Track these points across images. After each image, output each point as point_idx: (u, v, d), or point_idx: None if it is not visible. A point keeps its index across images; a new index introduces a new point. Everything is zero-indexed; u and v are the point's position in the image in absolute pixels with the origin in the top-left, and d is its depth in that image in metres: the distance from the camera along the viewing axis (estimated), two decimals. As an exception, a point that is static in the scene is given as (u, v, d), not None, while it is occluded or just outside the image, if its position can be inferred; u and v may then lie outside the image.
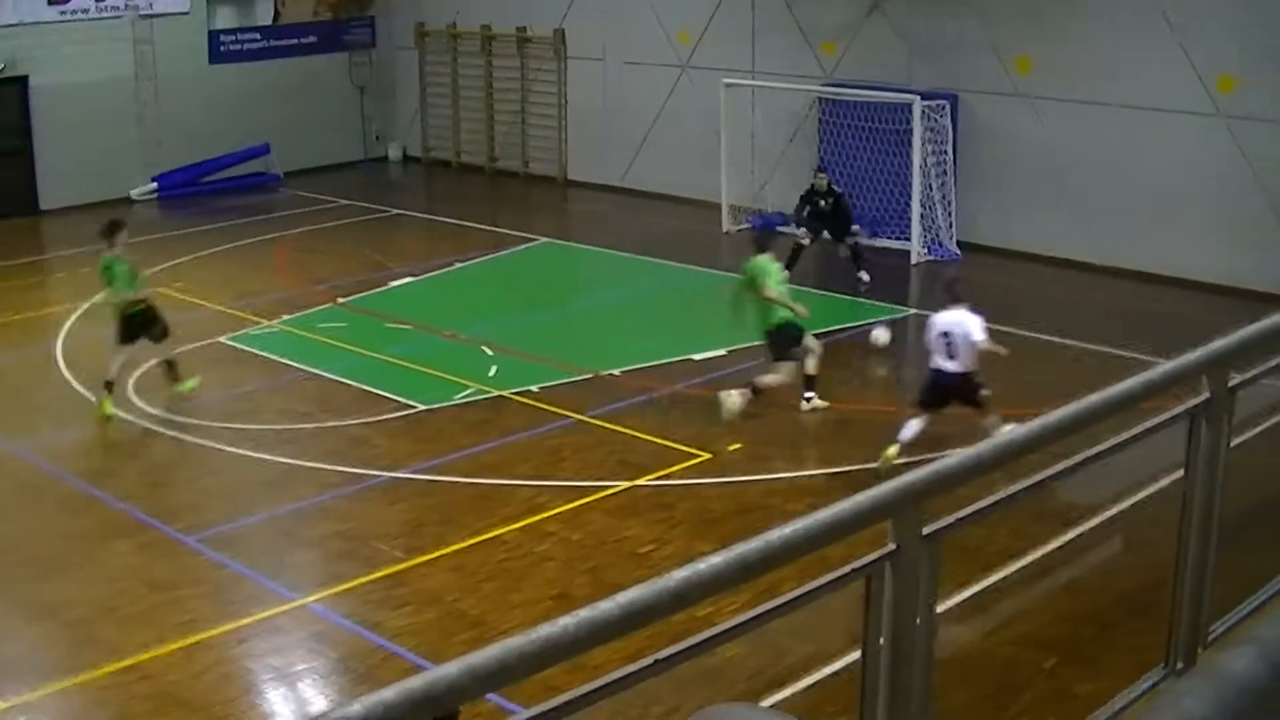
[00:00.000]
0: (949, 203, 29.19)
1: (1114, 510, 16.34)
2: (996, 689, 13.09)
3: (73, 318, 25.80)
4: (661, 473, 18.45)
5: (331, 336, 24.50)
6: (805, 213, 27.20)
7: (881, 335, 23.15)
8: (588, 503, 17.59)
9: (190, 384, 21.78)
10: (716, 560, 4.12)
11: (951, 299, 18.92)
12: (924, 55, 29.86)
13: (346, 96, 40.64)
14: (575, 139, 37.20)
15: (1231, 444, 6.73)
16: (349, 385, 22.14)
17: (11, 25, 33.87)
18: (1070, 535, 16.01)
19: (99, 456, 19.96)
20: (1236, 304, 23.05)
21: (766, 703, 11.74)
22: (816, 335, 21.07)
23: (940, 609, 5.24)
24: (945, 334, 18.62)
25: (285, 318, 25.48)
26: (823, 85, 31.15)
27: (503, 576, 15.75)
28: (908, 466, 4.88)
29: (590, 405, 20.98)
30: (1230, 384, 6.58)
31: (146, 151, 36.36)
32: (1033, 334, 23.58)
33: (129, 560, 16.42)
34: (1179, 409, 6.45)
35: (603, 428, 20.15)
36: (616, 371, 22.44)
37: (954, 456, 4.98)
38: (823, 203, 27.09)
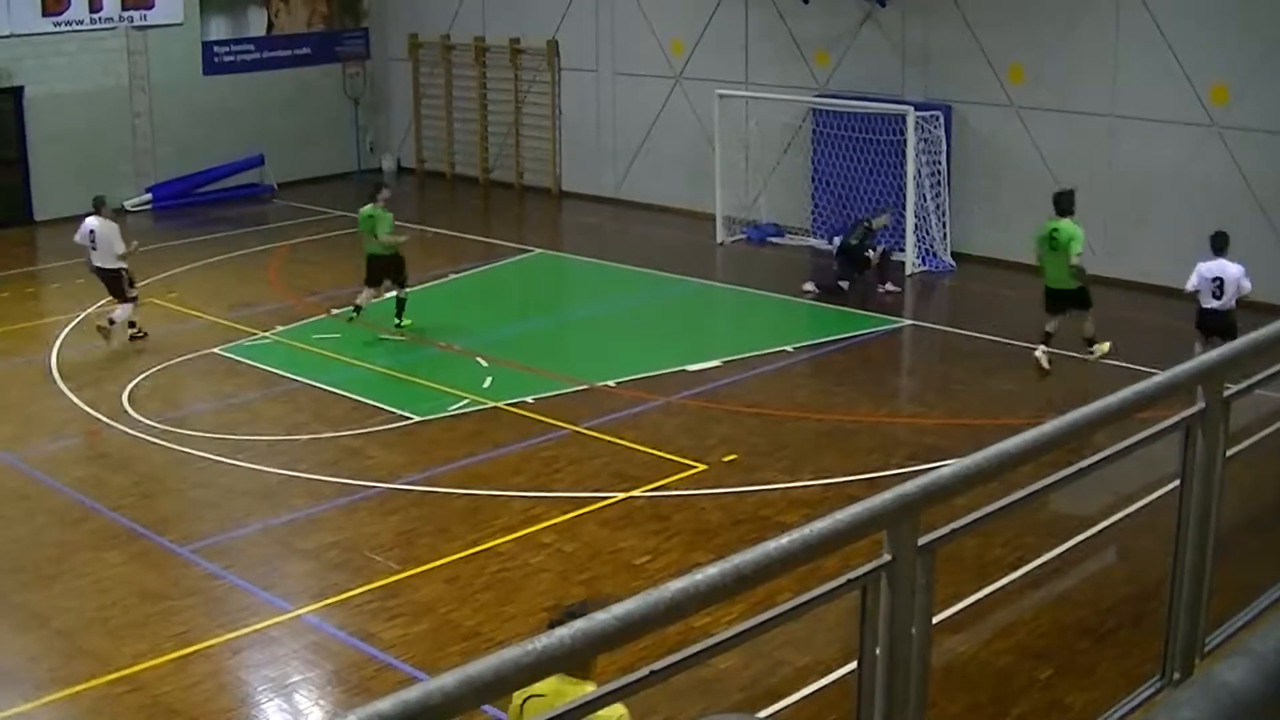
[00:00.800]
0: (943, 213, 29.20)
1: (1109, 521, 16.35)
2: (991, 699, 13.09)
3: (67, 328, 25.79)
4: (657, 484, 18.45)
5: (325, 347, 24.50)
6: (856, 238, 27.22)
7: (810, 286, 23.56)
8: (583, 514, 17.59)
9: (408, 322, 25.24)
10: (712, 571, 4.11)
11: (1216, 250, 20.84)
12: (917, 66, 29.89)
13: (340, 107, 40.65)
14: (569, 150, 37.21)
15: (1227, 454, 6.73)
16: (343, 396, 22.14)
17: (5, 36, 33.87)
18: (1065, 546, 16.02)
19: (92, 466, 19.92)
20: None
21: (763, 714, 11.73)
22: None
23: (936, 620, 5.23)
24: (1217, 279, 20.71)
25: (279, 328, 25.48)
26: (816, 96, 31.16)
27: (497, 588, 15.74)
28: (903, 478, 4.87)
29: (585, 416, 20.98)
30: (1225, 394, 6.57)
31: (140, 162, 36.38)
32: (1029, 345, 23.56)
33: (121, 570, 16.41)
34: (1174, 419, 6.44)
35: (598, 439, 20.16)
36: (611, 383, 22.44)
37: (949, 467, 4.97)
38: (866, 242, 27.04)
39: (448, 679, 3.51)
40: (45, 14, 34.52)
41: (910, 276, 28.43)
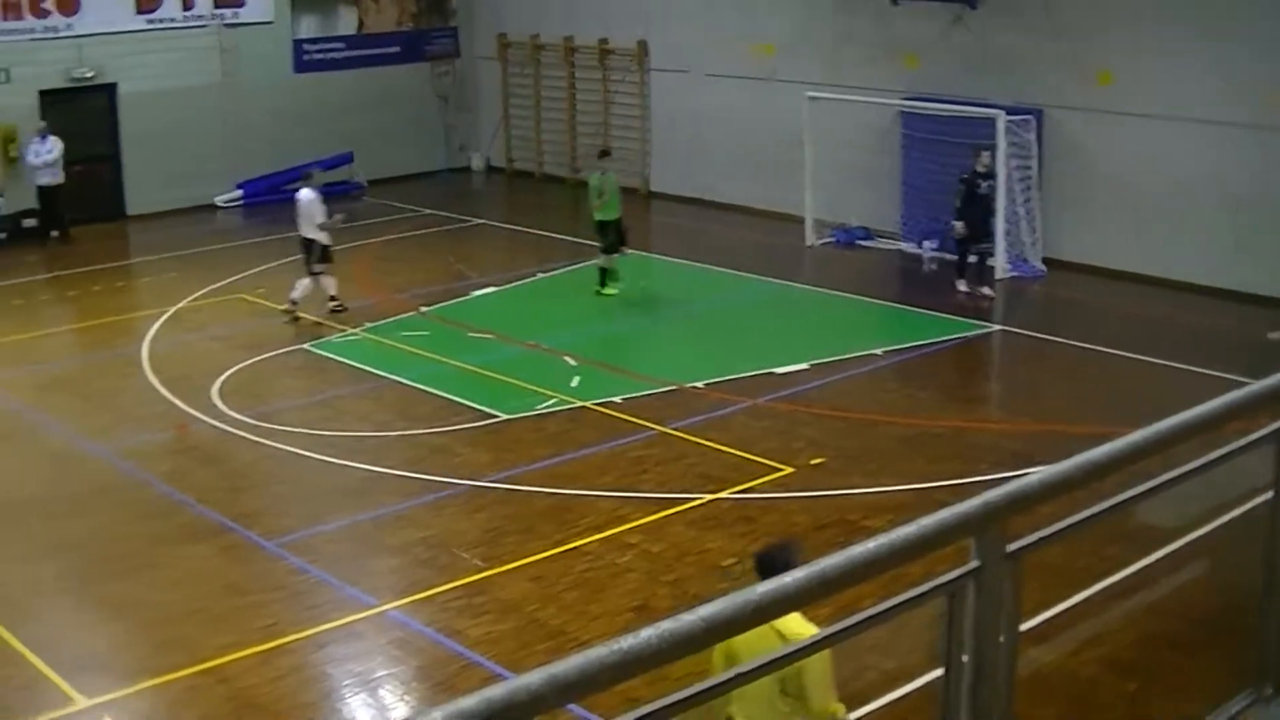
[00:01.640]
0: (1034, 218, 29.03)
1: (1198, 532, 16.22)
2: (1078, 710, 13.02)
3: (159, 322, 26.00)
4: (743, 486, 18.43)
5: (413, 345, 24.60)
6: (962, 200, 27.36)
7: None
8: (669, 515, 17.60)
9: (612, 290, 27.20)
10: (799, 574, 4.11)
11: None
12: (1007, 68, 29.71)
13: (429, 106, 40.79)
14: (658, 150, 37.21)
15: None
16: (430, 393, 22.22)
17: (100, 34, 34.19)
18: (1154, 557, 15.91)
19: (181, 460, 20.08)
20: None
21: (851, 717, 11.67)
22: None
23: (1022, 628, 5.21)
24: None
25: (367, 325, 25.60)
26: (905, 99, 31.05)
27: (583, 587, 15.76)
28: (990, 484, 4.85)
29: (672, 417, 20.98)
30: (1318, 404, 6.52)
31: (231, 158, 36.60)
32: (1119, 352, 23.48)
33: (209, 563, 16.54)
34: (1265, 430, 6.39)
35: (685, 440, 20.15)
36: (699, 384, 22.44)
37: (1036, 475, 4.95)
38: (984, 184, 27.03)
39: (533, 678, 3.52)
40: (139, 12, 34.86)
41: (1000, 281, 28.28)
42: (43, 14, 33.64)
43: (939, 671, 4.97)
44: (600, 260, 27.45)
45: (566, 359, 23.72)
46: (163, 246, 32.04)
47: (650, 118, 37.40)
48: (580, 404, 21.62)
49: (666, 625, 3.78)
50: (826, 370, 23.06)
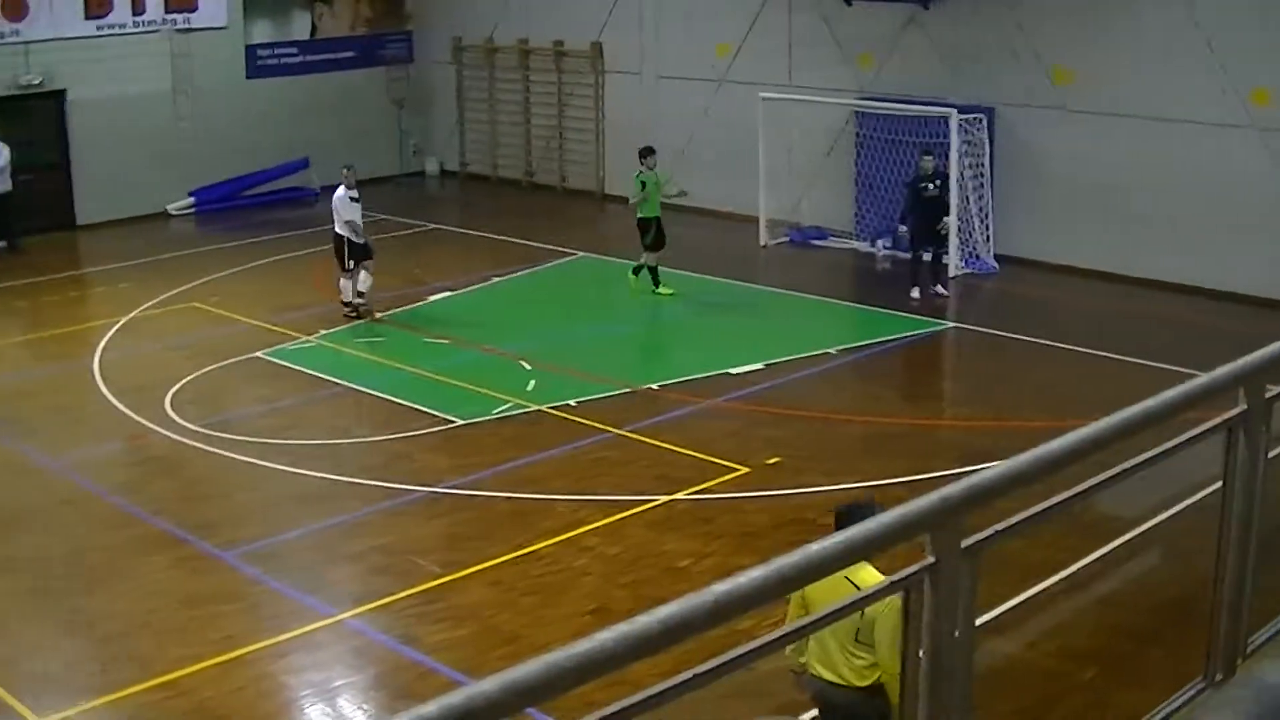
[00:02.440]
0: (986, 215, 29.14)
1: (1152, 523, 16.30)
2: (1036, 701, 13.06)
3: (112, 332, 25.89)
4: (700, 487, 18.44)
5: (369, 351, 24.56)
6: (908, 205, 27.49)
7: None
8: (626, 517, 17.59)
9: (669, 290, 27.24)
10: (756, 574, 4.12)
11: None
12: (961, 68, 29.82)
13: (384, 111, 40.73)
14: (613, 153, 37.18)
15: (1269, 455, 6.72)
16: (387, 400, 22.19)
17: (49, 40, 33.99)
18: (1109, 547, 15.97)
19: (136, 471, 19.98)
20: (1274, 316, 23.02)
21: (806, 717, 11.72)
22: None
23: (980, 622, 5.23)
24: None
25: (323, 332, 25.53)
26: (860, 98, 31.13)
27: (541, 591, 15.76)
28: (946, 481, 4.87)
29: (629, 420, 20.98)
30: (1267, 395, 6.56)
31: (184, 166, 36.45)
32: (1070, 346, 23.58)
33: (166, 575, 16.46)
34: (1216, 420, 6.43)
35: (641, 442, 20.16)
36: (654, 385, 22.46)
37: (992, 469, 4.97)
38: (930, 186, 27.10)
39: (491, 683, 3.51)
40: (88, 17, 34.62)
41: (954, 279, 28.36)
42: (-11, 21, 33.50)
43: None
44: (648, 259, 27.55)
45: (522, 363, 23.70)
46: (115, 256, 31.89)
47: (605, 120, 37.39)
48: (537, 408, 21.60)
49: (623, 628, 3.78)
50: (782, 370, 23.10)
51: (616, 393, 22.26)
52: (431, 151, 41.67)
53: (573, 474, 19.08)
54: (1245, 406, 6.45)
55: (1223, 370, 6.21)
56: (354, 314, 26.31)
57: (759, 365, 23.21)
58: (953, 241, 28.40)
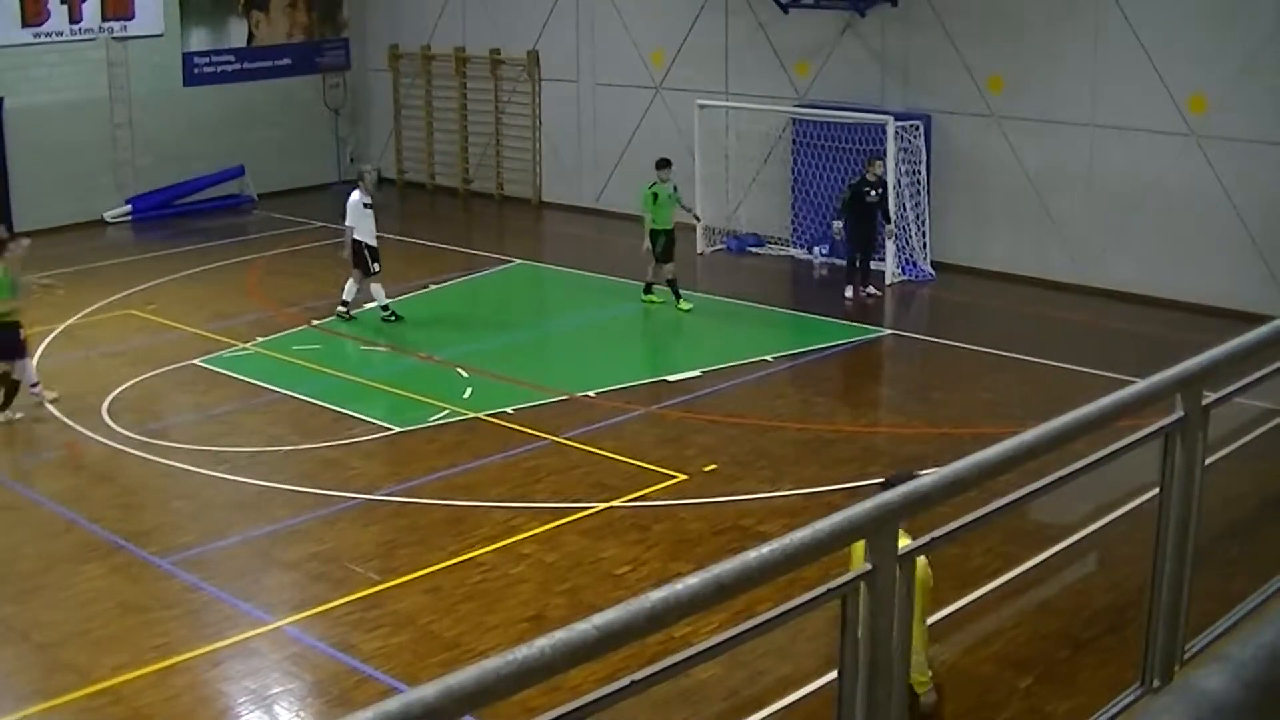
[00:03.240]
0: (923, 223, 29.23)
1: (1089, 529, 16.37)
2: (973, 708, 13.09)
3: (48, 339, 25.73)
4: (637, 494, 18.45)
5: (306, 358, 24.48)
6: (847, 205, 27.62)
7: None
8: (563, 524, 17.58)
9: (687, 305, 26.63)
10: (693, 581, 4.12)
11: None
12: (897, 75, 29.93)
13: (321, 118, 40.62)
14: (549, 161, 37.21)
15: (1205, 462, 6.75)
16: (323, 407, 22.12)
17: (-15, 47, 33.85)
18: (1045, 554, 16.04)
19: (72, 478, 19.88)
20: (1210, 323, 23.14)
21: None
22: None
23: (916, 629, 5.24)
24: None
25: (259, 340, 25.43)
26: (796, 106, 31.20)
27: (478, 598, 15.73)
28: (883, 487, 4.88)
29: (565, 427, 20.98)
30: (1204, 402, 6.60)
31: (120, 173, 36.31)
32: (1007, 353, 23.69)
33: (102, 583, 16.37)
34: (1153, 427, 6.46)
35: (578, 449, 20.15)
36: (592, 393, 22.44)
37: (929, 476, 4.98)
38: (873, 193, 27.22)
39: (428, 690, 3.51)
40: (25, 25, 34.44)
41: (890, 286, 28.45)
42: (-76, 28, 33.28)
43: (834, 674, 5.00)
44: (658, 272, 27.18)
45: (459, 370, 23.67)
46: (52, 262, 31.59)
47: (542, 128, 37.37)
48: (473, 415, 21.58)
49: (560, 635, 3.78)
50: (719, 377, 23.12)
51: (553, 400, 22.25)
52: (368, 159, 41.53)
53: (510, 481, 19.06)
54: (1182, 413, 6.48)
55: (1160, 377, 6.24)
56: (349, 315, 26.59)
57: (696, 372, 23.24)
58: (889, 249, 28.50)
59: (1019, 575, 15.55)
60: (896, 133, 28.38)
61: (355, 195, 26.75)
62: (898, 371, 24.99)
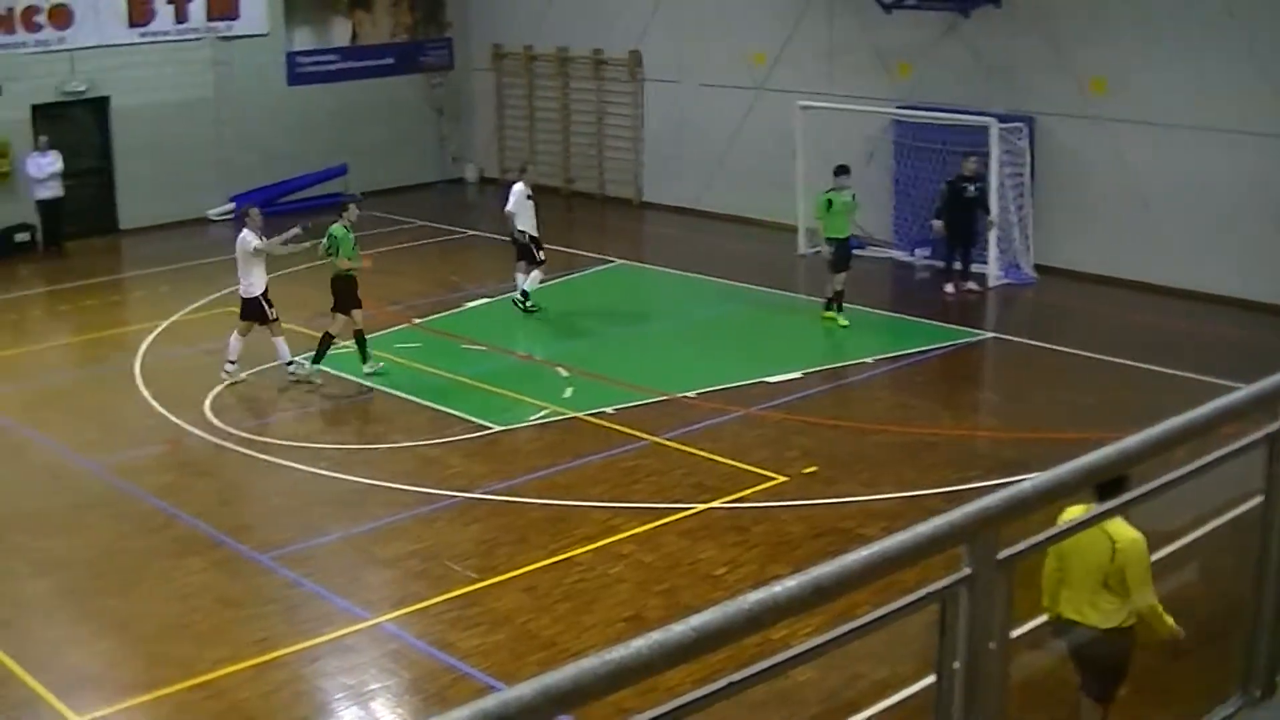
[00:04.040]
0: (1026, 225, 29.06)
1: (1189, 537, 16.22)
2: (1069, 715, 13.00)
3: (152, 336, 25.97)
4: (736, 495, 18.43)
5: (407, 357, 24.57)
6: (946, 202, 27.76)
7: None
8: (662, 525, 17.58)
9: (844, 321, 26.06)
10: (791, 583, 4.10)
11: None
12: (1000, 77, 29.76)
13: (423, 117, 40.81)
14: (651, 161, 37.23)
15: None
16: (424, 405, 22.21)
17: (93, 47, 34.16)
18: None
19: (174, 473, 20.04)
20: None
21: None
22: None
23: (1014, 634, 5.21)
24: None
25: (360, 337, 25.54)
26: (898, 107, 31.08)
27: (576, 598, 15.76)
28: (982, 491, 4.85)
29: (665, 427, 20.98)
30: (1310, 409, 6.52)
31: (224, 171, 36.59)
32: (1111, 358, 23.51)
33: (202, 577, 16.51)
34: (1257, 434, 6.39)
35: (677, 450, 20.15)
36: (691, 394, 22.43)
37: (1028, 481, 4.94)
38: (971, 189, 27.19)
39: (525, 689, 3.51)
40: (131, 25, 34.78)
41: (992, 288, 28.33)
42: (35, 28, 33.58)
43: (931, 679, 4.97)
44: (834, 282, 26.45)
45: (559, 370, 23.72)
46: (156, 260, 31.99)
47: (643, 128, 37.39)
48: (573, 415, 21.61)
49: (657, 636, 3.77)
50: (819, 379, 23.10)
51: (653, 400, 22.26)
52: (470, 158, 41.73)
53: (608, 481, 19.08)
54: (1287, 420, 6.41)
55: (1265, 383, 6.17)
56: (531, 306, 27.29)
57: (796, 374, 23.20)
58: (992, 252, 28.40)
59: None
60: (1000, 134, 28.23)
61: (519, 186, 27.37)
62: (998, 375, 24.87)
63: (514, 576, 16.29)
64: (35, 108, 33.86)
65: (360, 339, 23.80)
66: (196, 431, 21.23)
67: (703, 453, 19.96)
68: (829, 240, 26.00)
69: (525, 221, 26.87)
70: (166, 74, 35.54)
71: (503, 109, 40.87)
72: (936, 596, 4.79)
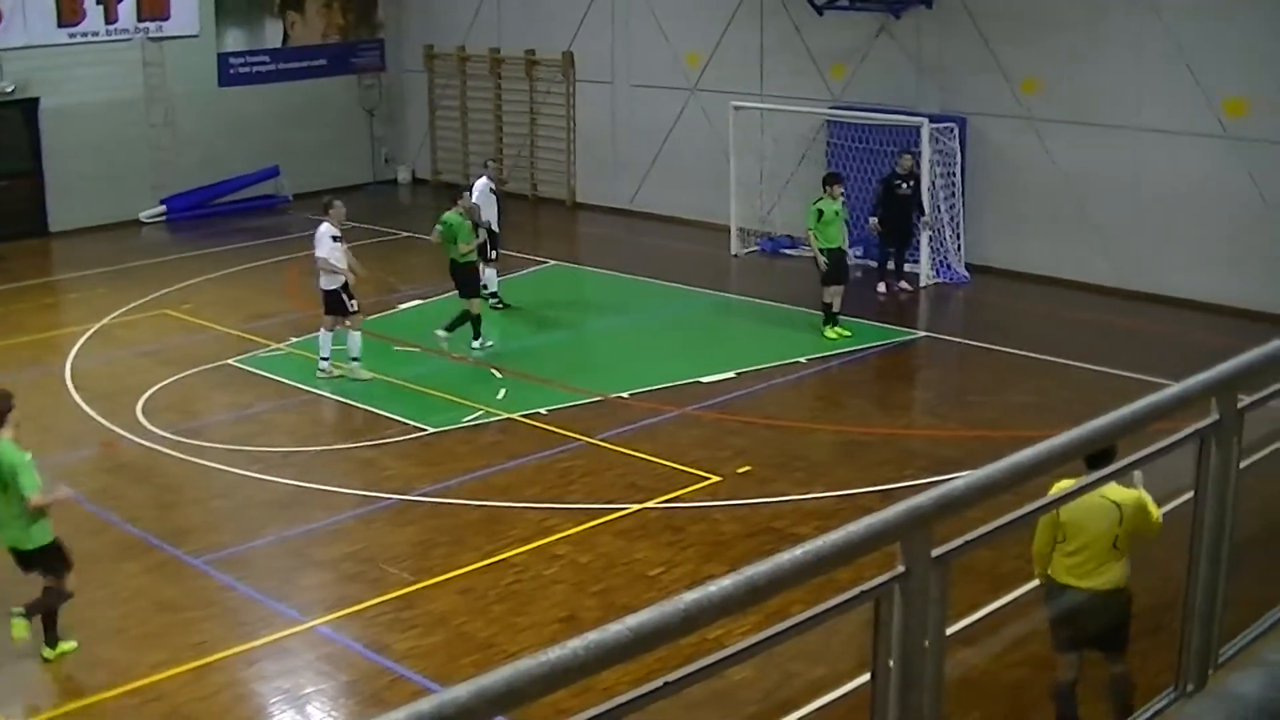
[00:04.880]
0: (958, 225, 29.18)
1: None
2: (1006, 712, 13.08)
3: (84, 338, 25.83)
4: (671, 495, 18.45)
5: (341, 359, 24.50)
6: (879, 200, 27.90)
7: None
8: (597, 525, 17.59)
9: (833, 335, 25.31)
10: (726, 583, 4.11)
11: None
12: (932, 78, 29.89)
13: (356, 119, 40.72)
14: (584, 162, 37.24)
15: (1240, 466, 6.72)
16: (358, 408, 22.18)
17: (22, 47, 33.92)
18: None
19: (108, 478, 19.92)
20: (1245, 326, 23.07)
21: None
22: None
23: (950, 631, 5.23)
24: None
25: (294, 340, 25.48)
26: (831, 108, 31.18)
27: (511, 599, 15.75)
28: (916, 490, 4.87)
29: (600, 428, 20.99)
30: (1239, 405, 6.57)
31: (156, 173, 36.42)
32: (1045, 357, 23.63)
33: (139, 582, 16.44)
34: (1187, 430, 6.43)
35: (612, 450, 20.16)
36: (626, 394, 22.45)
37: (963, 479, 4.97)
38: (904, 185, 27.32)
39: (461, 690, 3.51)
40: (61, 25, 34.57)
41: (925, 288, 28.44)
42: (-39, 29, 33.40)
43: (866, 677, 4.99)
44: (825, 294, 25.80)
45: (493, 371, 23.70)
46: (87, 263, 31.81)
47: (576, 128, 37.40)
48: (507, 416, 21.61)
49: (593, 636, 3.78)
50: (753, 379, 23.12)
51: (587, 401, 22.27)
52: (403, 159, 41.67)
53: (543, 482, 19.08)
54: (1217, 416, 6.45)
55: (1195, 380, 6.21)
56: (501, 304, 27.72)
57: (730, 374, 23.23)
58: (924, 252, 28.52)
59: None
60: (931, 135, 28.35)
61: (484, 180, 27.77)
62: (932, 374, 24.95)
63: (450, 578, 16.28)
64: (-38, 109, 33.64)
65: (475, 320, 24.90)
66: (130, 435, 21.13)
67: (638, 453, 19.98)
68: (823, 251, 25.50)
69: (490, 214, 26.80)
70: (97, 75, 35.33)
71: (435, 110, 40.82)
72: (870, 595, 4.81)
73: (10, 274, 31.31)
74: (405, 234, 34.66)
